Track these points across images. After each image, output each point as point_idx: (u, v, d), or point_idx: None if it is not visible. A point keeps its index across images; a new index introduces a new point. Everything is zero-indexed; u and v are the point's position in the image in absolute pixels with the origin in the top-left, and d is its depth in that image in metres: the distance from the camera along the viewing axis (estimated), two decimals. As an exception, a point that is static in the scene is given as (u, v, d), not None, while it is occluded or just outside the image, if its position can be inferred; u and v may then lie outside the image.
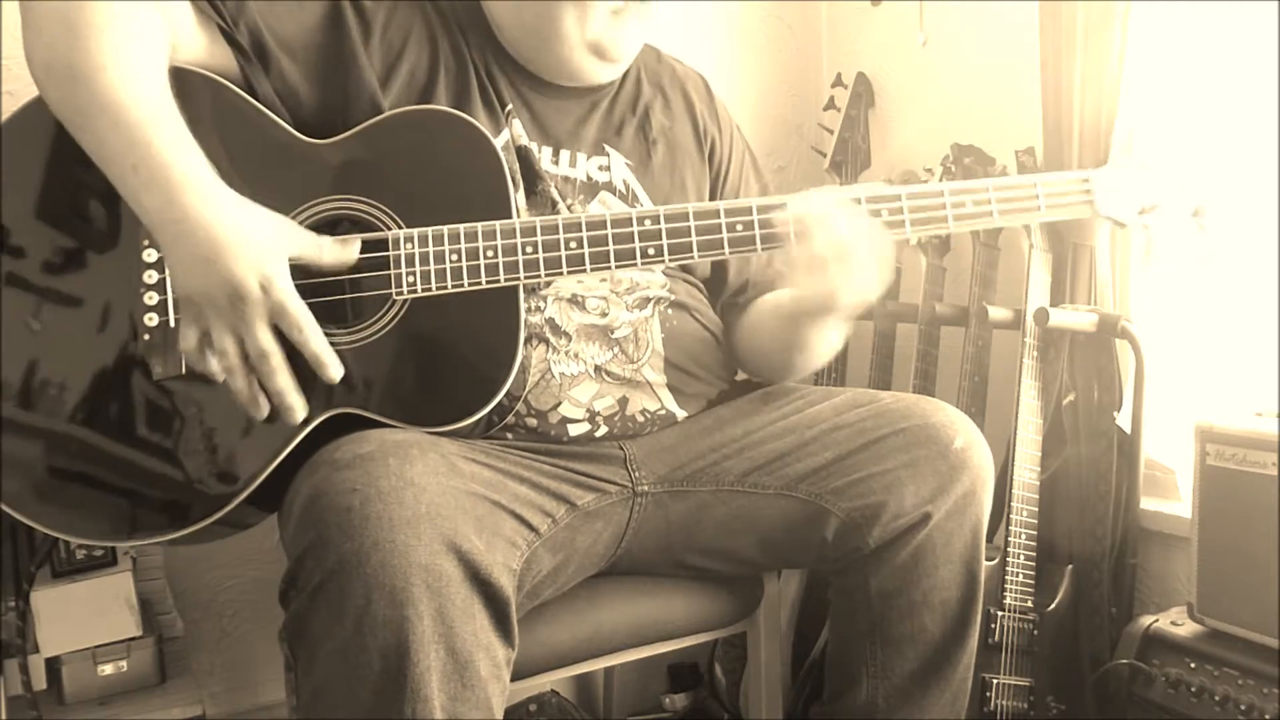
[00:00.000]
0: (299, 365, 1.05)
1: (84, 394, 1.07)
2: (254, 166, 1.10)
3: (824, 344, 1.28)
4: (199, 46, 1.12)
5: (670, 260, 1.15)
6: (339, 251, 1.08)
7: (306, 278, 1.07)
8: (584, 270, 1.13)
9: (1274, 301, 1.51)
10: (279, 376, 1.04)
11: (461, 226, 1.10)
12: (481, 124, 1.16)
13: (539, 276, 1.12)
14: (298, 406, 1.05)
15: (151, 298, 1.08)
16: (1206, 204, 1.27)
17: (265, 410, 1.05)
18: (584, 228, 1.12)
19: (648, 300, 1.26)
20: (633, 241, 1.13)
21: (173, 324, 1.08)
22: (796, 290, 1.22)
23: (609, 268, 1.14)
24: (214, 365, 1.05)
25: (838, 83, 2.05)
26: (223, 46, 1.13)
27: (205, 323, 1.03)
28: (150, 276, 1.08)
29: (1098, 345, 1.62)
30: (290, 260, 1.04)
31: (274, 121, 1.14)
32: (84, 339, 1.08)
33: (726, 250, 1.16)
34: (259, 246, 1.01)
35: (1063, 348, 1.64)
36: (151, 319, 1.08)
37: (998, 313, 1.64)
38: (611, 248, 1.13)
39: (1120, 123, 1.55)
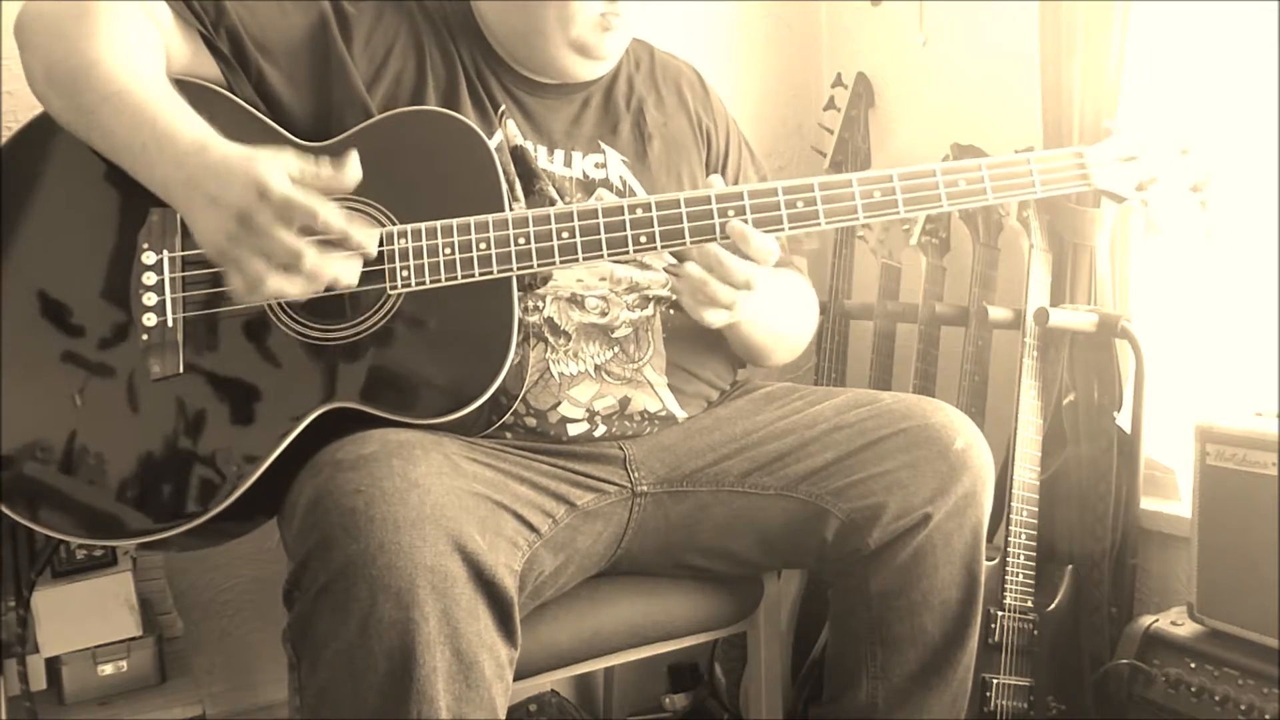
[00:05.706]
0: (285, 367, 1.06)
1: (83, 395, 1.07)
2: None
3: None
4: (184, 55, 1.13)
5: (662, 247, 1.15)
6: (338, 170, 0.99)
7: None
8: (576, 260, 1.13)
9: (1274, 301, 1.51)
10: (325, 262, 0.99)
11: (454, 220, 1.10)
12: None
13: (532, 267, 1.12)
14: (364, 253, 1.03)
15: (150, 299, 1.08)
16: (1207, 179, 1.24)
17: (343, 278, 1.01)
18: (575, 218, 1.13)
19: (649, 299, 1.26)
20: (624, 230, 1.13)
21: (170, 324, 1.08)
22: None
23: (601, 256, 1.13)
24: (271, 289, 0.99)
25: (838, 83, 2.05)
26: (206, 54, 1.14)
27: (239, 263, 0.98)
28: (149, 278, 1.08)
29: (1098, 345, 1.62)
30: (291, 177, 0.98)
31: (268, 126, 1.14)
32: (83, 340, 1.08)
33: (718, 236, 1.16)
34: (237, 164, 0.97)
35: (1063, 348, 1.64)
36: (150, 319, 1.08)
37: (998, 313, 1.64)
38: (604, 236, 1.13)
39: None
